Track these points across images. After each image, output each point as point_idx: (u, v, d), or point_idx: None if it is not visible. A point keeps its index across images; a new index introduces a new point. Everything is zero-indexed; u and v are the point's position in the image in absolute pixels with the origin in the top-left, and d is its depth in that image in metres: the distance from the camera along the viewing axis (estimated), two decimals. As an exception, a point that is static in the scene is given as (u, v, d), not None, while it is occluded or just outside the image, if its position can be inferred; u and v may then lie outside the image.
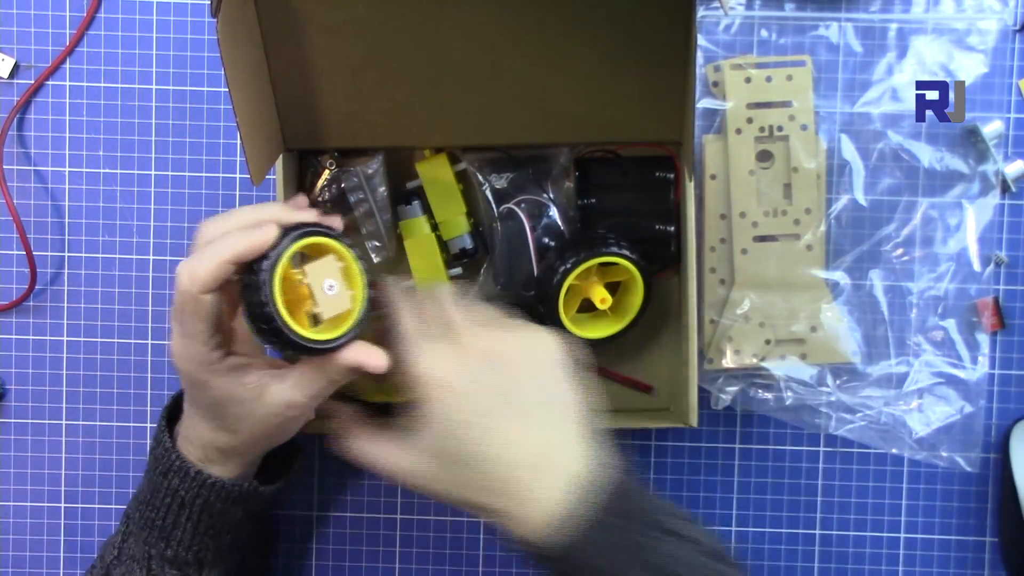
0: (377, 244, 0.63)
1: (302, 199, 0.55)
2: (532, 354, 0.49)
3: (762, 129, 0.62)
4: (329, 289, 0.50)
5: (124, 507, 0.66)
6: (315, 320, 0.50)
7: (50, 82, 0.65)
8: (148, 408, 0.66)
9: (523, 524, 0.46)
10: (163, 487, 0.52)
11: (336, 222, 0.51)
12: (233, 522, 0.54)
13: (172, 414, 0.56)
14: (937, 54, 0.63)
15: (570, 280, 0.57)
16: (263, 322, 0.48)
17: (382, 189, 0.62)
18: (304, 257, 0.51)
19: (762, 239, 0.63)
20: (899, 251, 0.64)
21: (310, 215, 0.51)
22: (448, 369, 0.47)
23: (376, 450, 0.50)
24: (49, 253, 0.65)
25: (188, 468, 0.52)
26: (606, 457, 0.47)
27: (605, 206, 0.62)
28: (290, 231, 0.49)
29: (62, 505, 0.66)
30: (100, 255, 0.65)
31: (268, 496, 0.55)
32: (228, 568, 0.55)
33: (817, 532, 0.65)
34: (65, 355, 0.66)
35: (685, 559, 0.45)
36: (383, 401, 0.54)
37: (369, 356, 0.49)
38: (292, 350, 0.49)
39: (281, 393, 0.50)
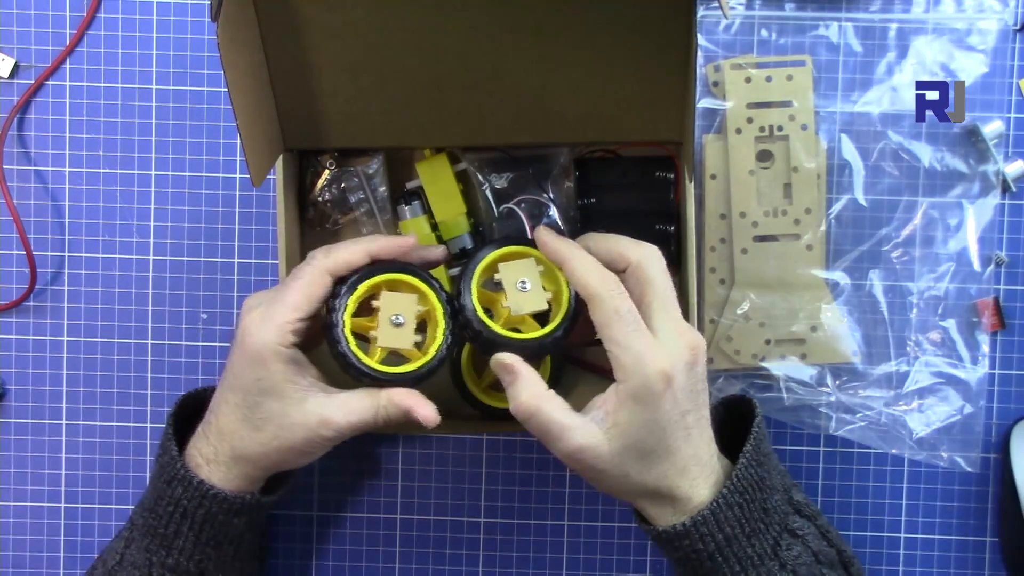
0: (377, 244, 0.63)
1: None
2: (703, 351, 0.50)
3: (762, 129, 0.62)
4: (396, 321, 0.51)
5: (124, 507, 0.66)
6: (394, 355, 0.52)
7: (50, 82, 0.65)
8: (148, 408, 0.66)
9: (680, 512, 0.50)
10: (166, 495, 0.52)
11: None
12: (235, 534, 0.53)
13: (178, 421, 0.55)
14: (937, 54, 0.63)
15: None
16: (331, 333, 0.50)
17: (382, 189, 0.62)
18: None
19: (762, 239, 0.63)
20: (899, 251, 0.64)
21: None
22: (677, 356, 0.48)
23: (568, 423, 0.49)
24: (49, 253, 0.65)
25: (192, 478, 0.51)
26: (750, 450, 0.51)
27: (605, 206, 0.62)
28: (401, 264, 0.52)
29: (62, 505, 0.66)
30: (100, 255, 0.65)
31: (267, 507, 0.54)
32: None
33: (817, 532, 0.66)
34: (65, 355, 0.66)
35: (807, 563, 0.51)
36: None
37: (421, 406, 0.50)
38: (347, 370, 0.51)
39: (323, 406, 0.50)
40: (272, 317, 0.50)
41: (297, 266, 0.52)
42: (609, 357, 0.48)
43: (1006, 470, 0.63)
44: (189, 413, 0.56)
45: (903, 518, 0.65)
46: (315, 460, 0.53)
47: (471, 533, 0.66)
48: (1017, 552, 0.63)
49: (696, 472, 0.50)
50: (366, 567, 0.66)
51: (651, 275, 0.49)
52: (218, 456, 0.52)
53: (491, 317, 0.52)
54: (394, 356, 0.52)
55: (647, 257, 0.50)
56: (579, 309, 0.52)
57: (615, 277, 0.49)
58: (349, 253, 0.51)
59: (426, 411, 0.50)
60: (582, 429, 0.48)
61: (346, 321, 0.51)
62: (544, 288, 0.52)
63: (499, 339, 0.51)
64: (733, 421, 0.54)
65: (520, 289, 0.52)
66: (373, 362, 0.51)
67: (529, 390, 0.49)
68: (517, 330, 0.53)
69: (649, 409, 0.48)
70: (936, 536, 0.65)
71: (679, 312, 0.50)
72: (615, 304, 0.48)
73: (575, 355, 0.63)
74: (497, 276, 0.53)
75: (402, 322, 0.51)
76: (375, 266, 0.52)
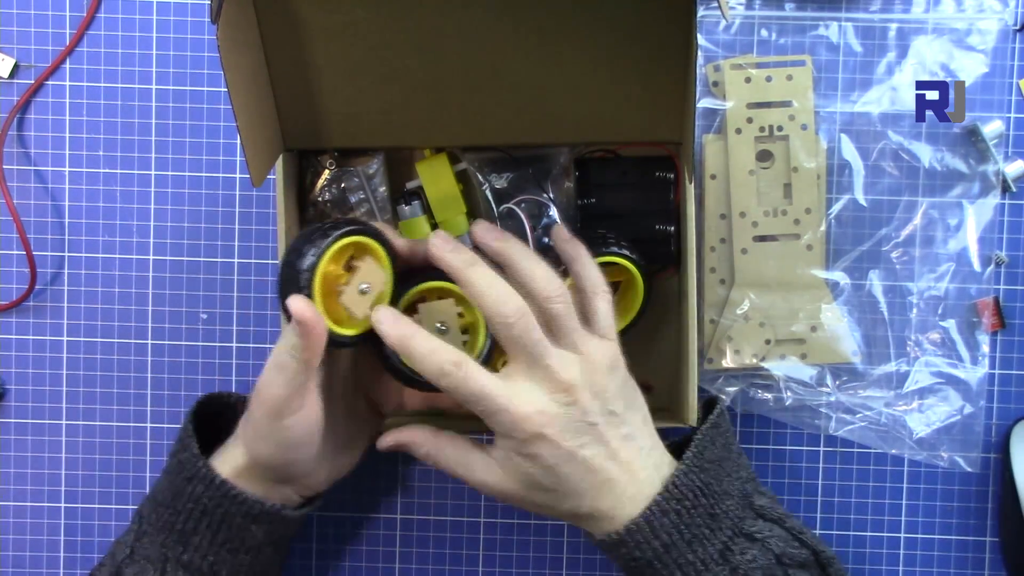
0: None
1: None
2: (606, 372, 0.51)
3: (762, 129, 0.62)
4: (440, 328, 0.53)
5: (124, 507, 0.66)
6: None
7: (50, 82, 0.65)
8: (148, 408, 0.66)
9: (608, 528, 0.50)
10: (186, 492, 0.52)
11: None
12: (253, 543, 0.53)
13: (199, 419, 0.55)
14: (937, 54, 0.63)
15: (570, 280, 0.57)
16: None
17: (382, 189, 0.62)
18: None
19: (762, 239, 0.63)
20: (899, 251, 0.64)
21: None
22: (545, 407, 0.49)
23: (466, 462, 0.52)
24: (49, 253, 0.65)
25: (213, 477, 0.51)
26: (690, 456, 0.51)
27: (605, 206, 0.62)
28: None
29: (62, 505, 0.66)
30: (100, 255, 0.65)
31: (290, 522, 0.54)
32: None
33: (817, 532, 0.65)
34: (65, 355, 0.66)
35: (764, 566, 0.51)
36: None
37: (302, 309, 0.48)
38: (393, 373, 0.53)
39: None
40: None
41: None
42: None
43: (1006, 470, 0.63)
44: (209, 413, 0.56)
45: (903, 518, 0.65)
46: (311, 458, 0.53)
47: (471, 533, 0.66)
48: (1017, 552, 0.63)
49: (617, 493, 0.50)
50: (366, 567, 0.66)
51: (498, 336, 0.50)
52: (242, 460, 0.52)
53: None
54: None
55: (488, 318, 0.50)
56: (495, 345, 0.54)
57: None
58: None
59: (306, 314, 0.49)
60: (482, 466, 0.51)
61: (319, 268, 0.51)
62: (461, 331, 0.54)
63: (417, 377, 0.52)
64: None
65: (438, 331, 0.53)
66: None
67: (426, 445, 0.52)
68: None
69: (529, 460, 0.49)
70: (936, 536, 0.65)
71: (548, 349, 0.49)
72: (471, 374, 0.49)
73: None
74: (416, 316, 0.53)
75: (446, 329, 0.53)
76: (417, 274, 0.53)
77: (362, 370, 0.56)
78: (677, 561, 0.50)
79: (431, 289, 0.54)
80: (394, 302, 0.52)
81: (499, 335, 0.49)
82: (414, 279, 0.53)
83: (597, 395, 0.50)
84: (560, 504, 0.51)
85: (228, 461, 0.53)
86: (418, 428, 0.53)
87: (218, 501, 0.51)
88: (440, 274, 0.53)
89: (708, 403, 0.57)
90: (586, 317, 0.52)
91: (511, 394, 0.49)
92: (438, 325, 0.53)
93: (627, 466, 0.50)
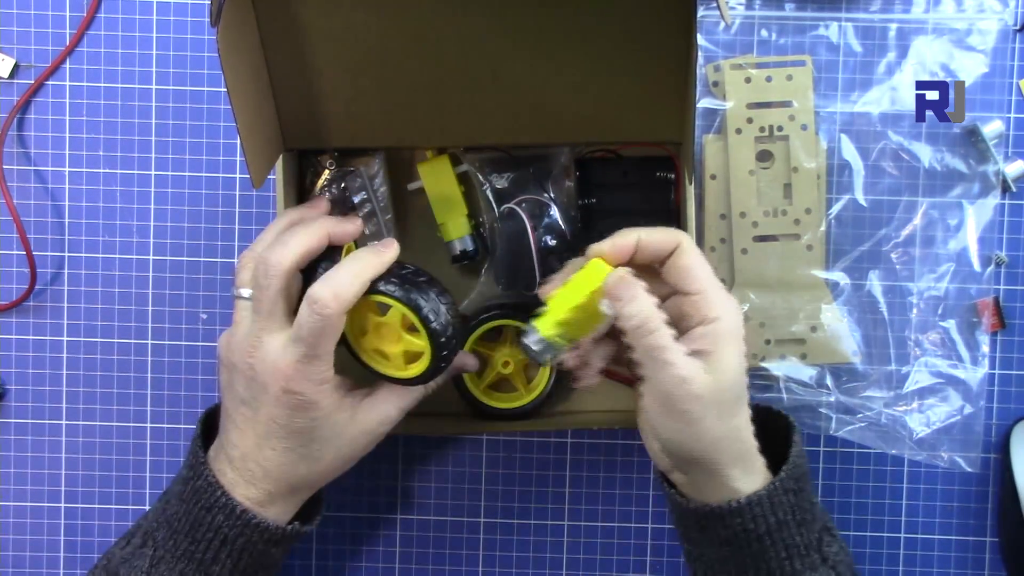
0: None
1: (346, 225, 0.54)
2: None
3: (762, 129, 0.62)
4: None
5: (124, 507, 0.66)
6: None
7: (50, 82, 0.65)
8: (148, 408, 0.66)
9: (726, 494, 0.50)
10: (206, 522, 0.51)
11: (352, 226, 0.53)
12: (271, 563, 0.53)
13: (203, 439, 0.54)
14: (937, 54, 0.63)
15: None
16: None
17: (383, 189, 0.62)
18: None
19: (762, 239, 0.63)
20: (899, 251, 0.64)
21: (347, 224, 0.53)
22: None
23: (673, 345, 0.48)
24: (49, 253, 0.65)
25: (235, 507, 0.50)
26: (796, 450, 0.52)
27: (606, 206, 0.62)
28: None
29: (62, 505, 0.66)
30: (100, 255, 0.65)
31: (304, 537, 0.54)
32: None
33: (817, 532, 0.66)
34: (65, 355, 0.66)
35: (845, 562, 0.52)
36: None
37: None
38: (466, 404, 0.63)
39: (374, 408, 0.52)
40: (312, 360, 0.49)
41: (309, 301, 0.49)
42: (693, 299, 0.49)
43: (1006, 470, 0.63)
44: (210, 428, 0.55)
45: (903, 518, 0.65)
46: None
47: (471, 533, 0.66)
48: (1017, 552, 0.63)
49: (748, 460, 0.50)
50: (366, 567, 0.66)
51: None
52: (273, 497, 0.52)
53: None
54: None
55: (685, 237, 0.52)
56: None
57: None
58: (354, 279, 0.50)
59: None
60: (688, 360, 0.48)
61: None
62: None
63: (486, 409, 0.61)
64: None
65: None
66: (495, 401, 0.61)
67: (648, 307, 0.49)
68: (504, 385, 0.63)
69: (740, 351, 0.50)
70: (936, 536, 0.65)
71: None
72: (696, 249, 0.51)
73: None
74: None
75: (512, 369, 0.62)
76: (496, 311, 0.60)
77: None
78: (785, 541, 0.50)
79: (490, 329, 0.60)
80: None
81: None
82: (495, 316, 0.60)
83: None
84: (721, 423, 0.49)
85: (239, 484, 0.52)
86: (653, 299, 0.49)
87: (239, 531, 0.51)
88: (512, 314, 0.59)
89: (766, 411, 0.56)
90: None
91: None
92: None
93: (752, 443, 0.51)
